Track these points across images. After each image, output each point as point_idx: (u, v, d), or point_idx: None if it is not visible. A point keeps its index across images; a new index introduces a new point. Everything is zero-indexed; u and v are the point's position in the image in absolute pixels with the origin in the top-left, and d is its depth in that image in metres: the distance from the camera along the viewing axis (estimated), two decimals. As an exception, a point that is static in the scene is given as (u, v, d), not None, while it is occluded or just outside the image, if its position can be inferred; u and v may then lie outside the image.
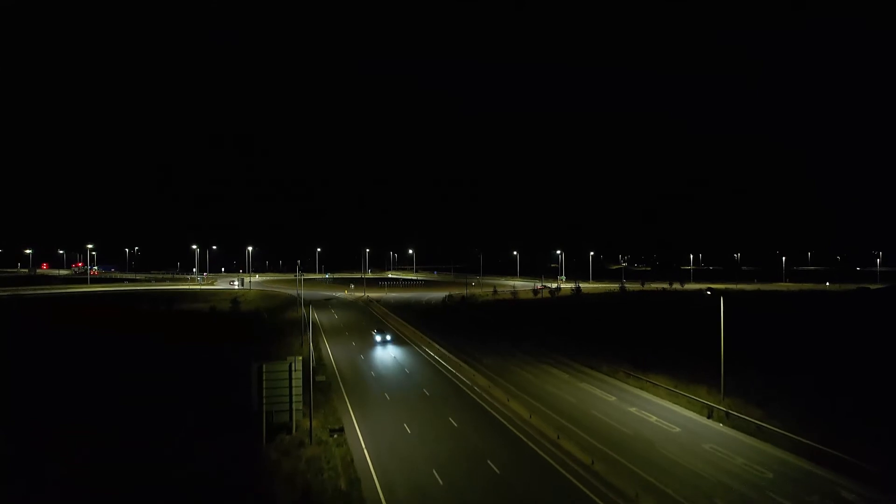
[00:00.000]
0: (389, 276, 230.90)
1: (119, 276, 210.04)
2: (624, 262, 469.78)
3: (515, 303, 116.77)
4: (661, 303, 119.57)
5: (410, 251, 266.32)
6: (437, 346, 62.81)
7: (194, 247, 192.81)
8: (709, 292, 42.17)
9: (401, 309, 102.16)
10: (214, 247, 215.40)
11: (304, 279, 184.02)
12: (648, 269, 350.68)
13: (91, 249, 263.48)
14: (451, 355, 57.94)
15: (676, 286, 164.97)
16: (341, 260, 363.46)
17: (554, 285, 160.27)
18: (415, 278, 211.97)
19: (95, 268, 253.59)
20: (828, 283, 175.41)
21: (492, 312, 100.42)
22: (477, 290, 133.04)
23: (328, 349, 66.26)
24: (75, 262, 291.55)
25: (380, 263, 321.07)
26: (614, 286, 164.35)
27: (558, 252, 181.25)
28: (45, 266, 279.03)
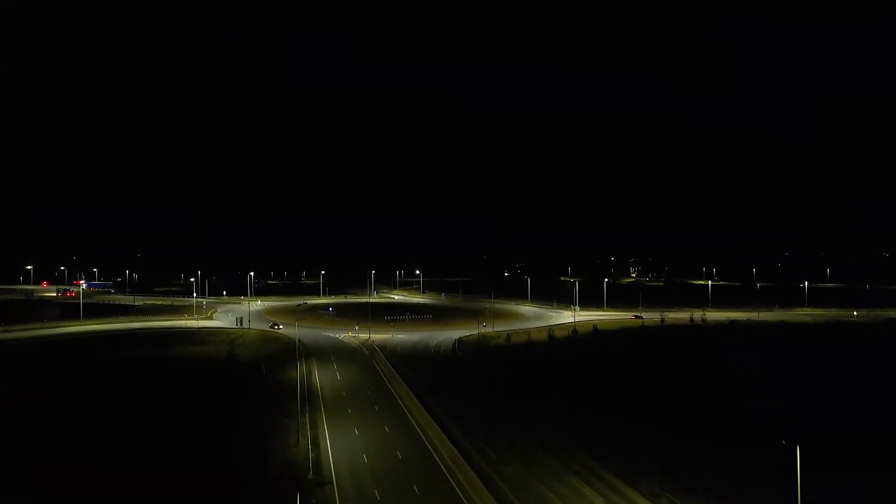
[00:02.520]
0: (396, 298, 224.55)
1: (117, 299, 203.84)
2: (634, 273, 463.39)
3: (531, 350, 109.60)
4: (687, 346, 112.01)
5: (417, 271, 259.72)
6: (449, 445, 55.56)
7: (192, 280, 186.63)
8: (784, 441, 34.63)
9: (408, 363, 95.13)
10: (214, 277, 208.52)
11: (308, 307, 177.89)
12: (661, 282, 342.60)
13: (81, 277, 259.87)
14: (466, 464, 50.66)
15: (698, 316, 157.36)
16: (345, 277, 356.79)
17: (568, 315, 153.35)
18: (422, 302, 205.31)
19: (84, 286, 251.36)
20: (855, 313, 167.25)
21: (507, 367, 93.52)
22: (489, 331, 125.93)
23: (327, 439, 59.28)
24: (76, 279, 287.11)
25: (385, 279, 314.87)
26: (631, 317, 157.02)
27: (573, 280, 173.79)
28: (45, 284, 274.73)
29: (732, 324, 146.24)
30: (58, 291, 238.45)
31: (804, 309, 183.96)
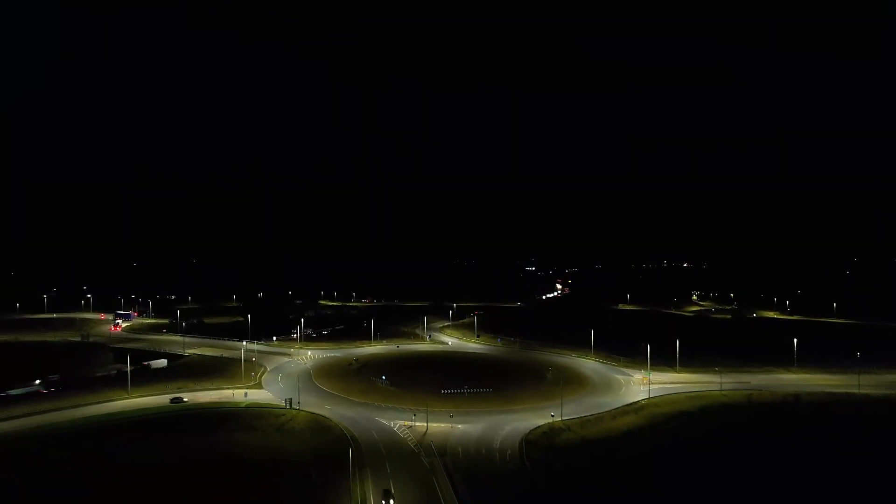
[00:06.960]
0: (450, 343, 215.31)
1: (168, 343, 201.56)
2: (695, 296, 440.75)
3: (611, 454, 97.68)
4: (785, 455, 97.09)
5: (473, 313, 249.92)
6: None
7: (241, 319, 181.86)
8: None
9: (472, 485, 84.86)
10: (261, 334, 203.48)
11: (360, 365, 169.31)
12: (728, 315, 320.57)
13: (136, 308, 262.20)
14: None
15: (788, 384, 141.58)
16: (394, 297, 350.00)
17: (639, 379, 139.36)
18: (479, 353, 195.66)
19: (126, 316, 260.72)
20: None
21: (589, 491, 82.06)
22: (557, 421, 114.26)
23: None
24: (132, 309, 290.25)
25: (437, 305, 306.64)
26: (711, 388, 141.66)
27: (644, 344, 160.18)
28: (102, 316, 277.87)
29: (831, 405, 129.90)
30: (112, 326, 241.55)
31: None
